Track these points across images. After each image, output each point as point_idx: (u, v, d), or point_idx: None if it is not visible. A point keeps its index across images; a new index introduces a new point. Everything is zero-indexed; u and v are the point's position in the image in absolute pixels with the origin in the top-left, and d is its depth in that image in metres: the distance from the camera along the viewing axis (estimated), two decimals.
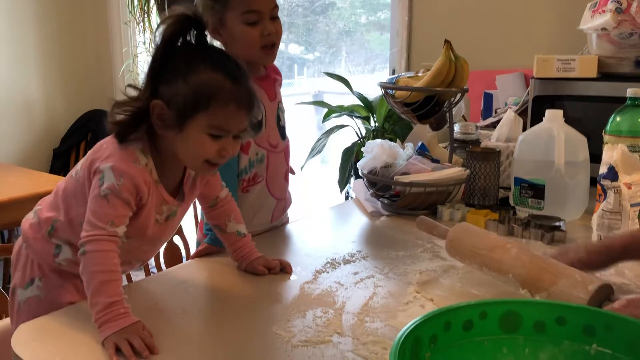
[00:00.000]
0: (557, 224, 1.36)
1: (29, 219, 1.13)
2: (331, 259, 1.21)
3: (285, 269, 1.15)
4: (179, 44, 0.98)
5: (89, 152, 1.02)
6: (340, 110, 2.28)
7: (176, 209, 1.07)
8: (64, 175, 3.21)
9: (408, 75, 1.53)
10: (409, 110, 1.49)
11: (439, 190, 1.47)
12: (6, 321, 1.19)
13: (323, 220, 1.54)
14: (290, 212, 1.55)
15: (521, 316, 0.73)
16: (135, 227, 1.01)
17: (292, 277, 1.14)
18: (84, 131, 3.44)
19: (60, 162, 3.43)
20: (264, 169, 1.34)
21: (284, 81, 1.45)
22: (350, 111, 2.28)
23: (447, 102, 1.52)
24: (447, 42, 1.45)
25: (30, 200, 2.44)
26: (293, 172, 1.46)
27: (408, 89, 1.47)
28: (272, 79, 1.37)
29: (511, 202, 1.52)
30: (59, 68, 3.44)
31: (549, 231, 1.32)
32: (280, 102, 1.39)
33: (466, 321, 0.72)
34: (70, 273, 1.09)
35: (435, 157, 1.69)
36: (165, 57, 0.96)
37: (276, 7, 1.28)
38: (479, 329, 0.72)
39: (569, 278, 0.92)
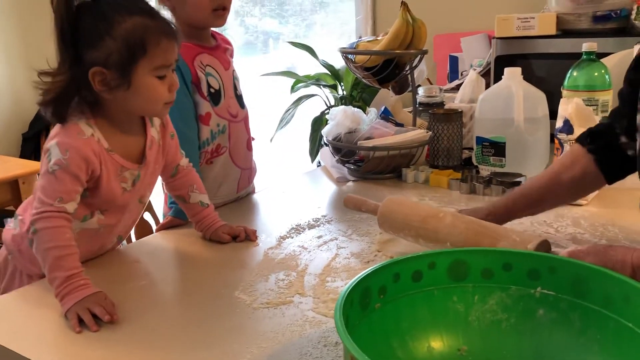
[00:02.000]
0: (518, 179, 1.38)
1: (9, 230, 1.10)
2: (296, 225, 1.23)
3: (249, 236, 1.16)
4: (77, 6, 0.94)
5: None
6: (307, 79, 2.28)
7: (138, 172, 1.05)
8: (34, 159, 3.18)
9: (368, 39, 1.53)
10: (369, 74, 1.50)
11: (402, 153, 1.49)
12: None
13: (289, 188, 1.55)
14: (259, 182, 1.56)
15: (469, 264, 0.75)
16: (102, 199, 1.01)
17: (257, 243, 1.15)
18: None
19: (29, 146, 3.39)
20: (227, 140, 1.34)
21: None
22: (317, 80, 2.28)
23: (407, 65, 1.52)
24: (403, 4, 1.45)
25: (0, 186, 2.43)
26: (253, 139, 1.46)
27: (366, 52, 1.48)
28: (223, 48, 1.36)
29: (474, 161, 1.54)
30: (22, 52, 3.38)
31: (510, 187, 1.34)
32: (234, 70, 1.38)
33: (415, 272, 0.74)
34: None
35: (400, 121, 1.71)
36: (71, 24, 0.93)
37: None
38: (429, 279, 0.74)
39: (508, 239, 0.93)
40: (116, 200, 1.03)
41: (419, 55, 1.52)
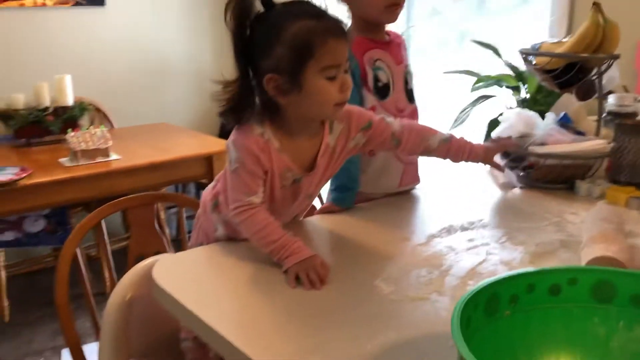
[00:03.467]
0: None
1: (207, 190, 1.25)
2: (448, 225, 1.21)
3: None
4: (251, 18, 1.02)
5: None
6: (488, 79, 2.21)
7: (300, 176, 1.12)
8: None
9: (552, 41, 1.45)
10: (549, 77, 1.42)
11: (577, 164, 1.39)
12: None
13: (451, 188, 1.53)
14: (425, 178, 1.54)
15: (616, 286, 0.70)
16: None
17: (405, 239, 1.16)
18: None
19: (227, 128, 3.74)
20: None
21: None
22: (498, 81, 2.20)
23: (595, 70, 1.41)
24: (595, 4, 1.35)
25: (198, 160, 2.73)
26: None
27: (547, 54, 1.40)
28: (396, 43, 1.39)
29: None
30: (229, 42, 3.73)
31: None
32: (407, 65, 1.40)
33: (553, 285, 0.70)
34: None
35: (582, 129, 1.59)
36: (246, 37, 1.02)
37: None
38: (568, 295, 0.70)
39: (607, 243, 0.97)
40: (273, 193, 1.11)
41: (609, 61, 1.41)
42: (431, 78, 2.83)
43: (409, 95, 1.41)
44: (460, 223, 1.23)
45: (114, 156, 2.52)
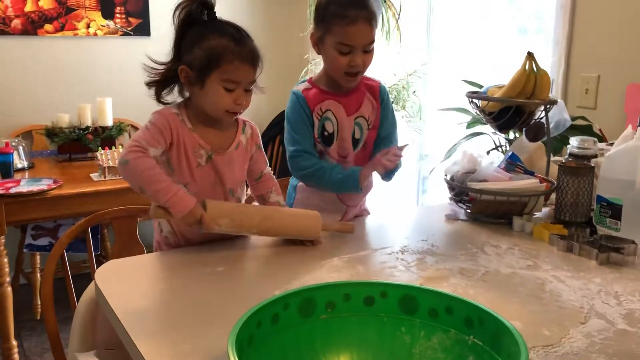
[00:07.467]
0: (623, 246, 1.29)
1: None
2: (372, 248, 1.34)
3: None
4: (193, 21, 1.25)
5: None
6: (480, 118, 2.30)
7: (211, 153, 1.30)
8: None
9: (498, 85, 1.56)
10: (490, 119, 1.53)
11: (511, 200, 1.48)
12: None
13: (396, 217, 1.64)
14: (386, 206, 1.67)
15: (418, 301, 0.82)
16: (180, 169, 1.28)
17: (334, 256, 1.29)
18: (279, 127, 3.92)
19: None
20: None
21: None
22: None
23: (530, 113, 1.51)
24: (529, 54, 1.46)
25: None
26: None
27: (484, 98, 1.51)
28: (361, 92, 1.52)
29: (593, 221, 1.46)
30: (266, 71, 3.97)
31: (605, 252, 1.27)
32: (360, 116, 1.51)
33: (367, 297, 0.83)
34: (174, 244, 1.39)
35: (539, 169, 1.68)
36: (183, 33, 1.25)
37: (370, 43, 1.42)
38: (380, 306, 0.83)
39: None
40: (192, 172, 1.29)
41: (546, 105, 1.50)
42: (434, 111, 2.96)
43: (356, 144, 1.53)
44: (382, 247, 1.35)
45: None
